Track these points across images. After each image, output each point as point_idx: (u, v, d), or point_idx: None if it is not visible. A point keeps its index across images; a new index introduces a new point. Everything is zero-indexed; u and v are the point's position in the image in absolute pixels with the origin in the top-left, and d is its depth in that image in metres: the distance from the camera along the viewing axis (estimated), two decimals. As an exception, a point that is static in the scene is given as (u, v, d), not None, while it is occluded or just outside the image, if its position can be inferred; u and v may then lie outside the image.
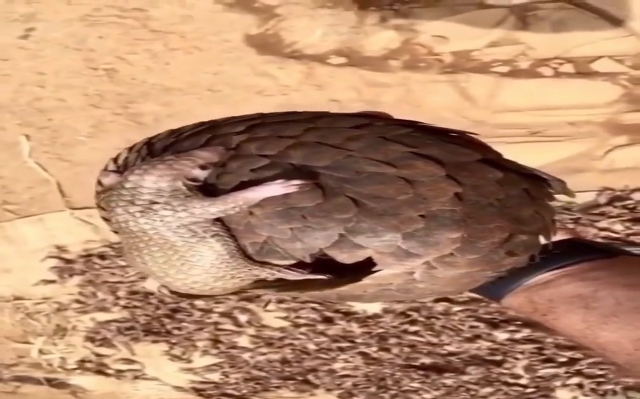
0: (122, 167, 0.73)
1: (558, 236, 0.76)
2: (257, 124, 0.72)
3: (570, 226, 1.39)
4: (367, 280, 0.68)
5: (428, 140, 0.71)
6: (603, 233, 1.39)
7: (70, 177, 1.94)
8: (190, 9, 1.60)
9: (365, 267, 0.68)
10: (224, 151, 0.69)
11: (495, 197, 0.70)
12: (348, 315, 1.79)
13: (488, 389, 1.68)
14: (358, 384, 1.88)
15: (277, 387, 2.04)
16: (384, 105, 1.47)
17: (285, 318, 1.89)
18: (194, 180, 0.68)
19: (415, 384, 1.77)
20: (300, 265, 0.68)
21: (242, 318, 1.99)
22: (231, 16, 1.56)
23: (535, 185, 0.74)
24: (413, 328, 1.70)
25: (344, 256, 0.67)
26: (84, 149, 1.90)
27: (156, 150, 0.72)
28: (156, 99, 1.73)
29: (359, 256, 0.67)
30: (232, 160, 0.69)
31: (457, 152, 0.71)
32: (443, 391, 1.74)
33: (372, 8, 1.40)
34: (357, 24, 1.44)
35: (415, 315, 1.70)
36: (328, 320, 1.81)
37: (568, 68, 1.32)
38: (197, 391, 2.22)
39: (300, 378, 1.97)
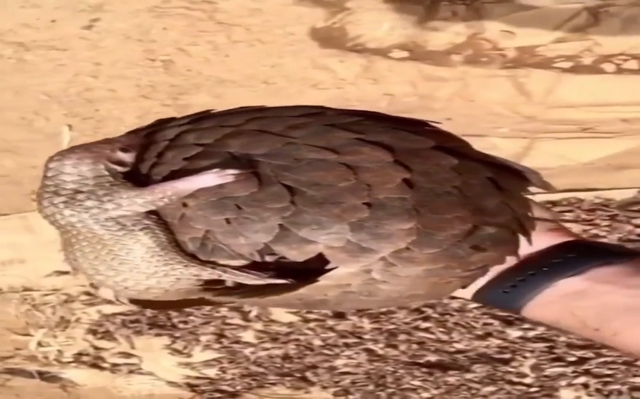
0: None
1: (561, 238, 0.61)
2: (203, 117, 0.60)
3: (606, 223, 1.18)
4: (323, 281, 0.55)
5: (379, 128, 0.58)
6: (638, 230, 1.19)
7: (104, 169, 1.64)
8: (261, 2, 1.40)
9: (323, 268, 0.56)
10: (141, 135, 0.58)
11: (452, 185, 0.56)
12: (361, 310, 1.52)
13: (490, 388, 1.44)
14: (356, 382, 1.60)
15: (273, 384, 1.74)
16: (438, 100, 1.26)
17: (296, 313, 1.60)
18: (119, 164, 0.56)
19: (416, 382, 1.51)
20: (260, 270, 0.55)
21: (252, 312, 1.69)
22: (300, 10, 1.36)
23: (503, 175, 0.60)
24: (425, 325, 1.45)
25: (294, 253, 0.54)
26: (124, 140, 1.61)
27: None
28: (209, 91, 1.50)
29: (310, 251, 0.54)
30: (168, 150, 0.57)
31: (409, 138, 0.58)
32: (443, 389, 1.47)
33: (444, 2, 1.21)
34: (425, 18, 1.24)
35: (429, 311, 1.45)
36: (340, 315, 1.53)
37: (632, 64, 1.16)
38: (191, 386, 1.90)
39: (298, 375, 1.68)
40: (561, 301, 0.59)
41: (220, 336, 1.79)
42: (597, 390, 1.38)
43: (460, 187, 0.57)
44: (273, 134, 0.57)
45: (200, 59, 1.49)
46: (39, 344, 2.09)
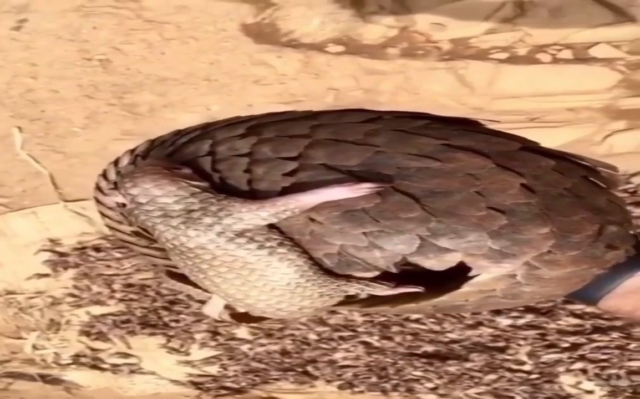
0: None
1: None
2: (254, 125, 0.70)
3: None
4: (466, 288, 0.66)
5: (453, 131, 0.70)
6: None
7: (64, 169, 1.99)
8: (185, -2, 1.66)
9: (459, 274, 0.66)
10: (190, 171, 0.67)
11: (563, 187, 0.69)
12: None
13: (492, 376, 1.76)
14: (358, 375, 1.94)
15: (277, 379, 2.09)
16: (383, 93, 1.54)
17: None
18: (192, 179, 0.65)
19: (418, 373, 1.84)
20: (384, 277, 0.66)
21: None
22: (227, 6, 1.62)
23: (592, 172, 0.73)
24: (415, 316, 1.77)
25: (432, 263, 0.65)
26: (78, 140, 1.96)
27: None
28: (151, 89, 1.79)
29: (448, 260, 0.65)
30: (254, 166, 0.67)
31: (492, 141, 0.70)
32: (446, 379, 1.81)
33: (370, -4, 1.46)
34: (355, 12, 1.50)
35: (417, 303, 1.76)
36: (330, 310, 1.86)
37: (566, 54, 1.38)
38: (195, 384, 2.27)
39: (299, 369, 2.03)
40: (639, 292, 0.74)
41: (214, 333, 2.14)
42: (596, 375, 1.65)
43: (570, 188, 0.69)
44: (353, 143, 0.68)
45: (136, 58, 1.76)
46: (34, 347, 2.48)
